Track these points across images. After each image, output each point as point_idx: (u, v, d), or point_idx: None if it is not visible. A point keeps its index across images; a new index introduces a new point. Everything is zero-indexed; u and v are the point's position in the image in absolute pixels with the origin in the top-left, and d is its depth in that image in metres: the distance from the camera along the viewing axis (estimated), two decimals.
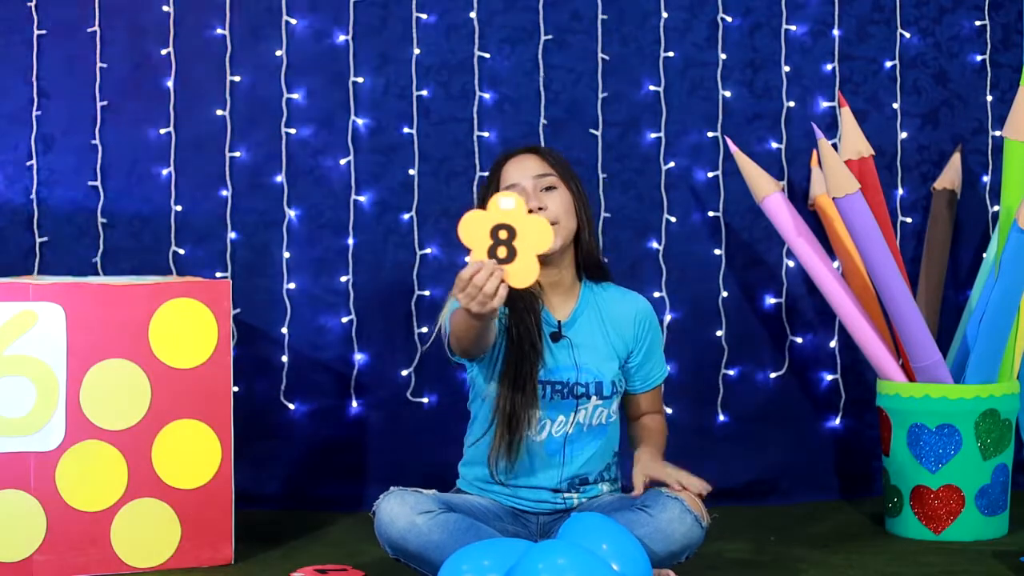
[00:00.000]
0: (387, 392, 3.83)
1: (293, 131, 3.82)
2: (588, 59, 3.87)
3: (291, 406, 3.81)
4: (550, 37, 3.86)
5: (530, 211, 2.76)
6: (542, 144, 3.81)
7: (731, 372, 3.91)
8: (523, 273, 2.46)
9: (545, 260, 2.83)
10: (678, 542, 2.76)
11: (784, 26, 3.92)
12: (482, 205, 2.79)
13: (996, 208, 3.93)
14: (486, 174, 3.76)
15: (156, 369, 3.12)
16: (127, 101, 3.77)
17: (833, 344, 3.93)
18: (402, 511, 2.75)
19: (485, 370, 2.90)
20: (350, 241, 3.83)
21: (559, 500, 2.93)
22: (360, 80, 3.83)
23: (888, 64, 3.95)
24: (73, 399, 3.07)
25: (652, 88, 3.89)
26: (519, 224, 2.46)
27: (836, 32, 3.94)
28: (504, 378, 2.85)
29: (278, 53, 3.80)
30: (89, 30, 3.76)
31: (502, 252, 2.46)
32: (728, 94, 3.90)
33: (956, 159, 3.91)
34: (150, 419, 3.11)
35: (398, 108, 3.83)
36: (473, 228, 2.47)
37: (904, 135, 3.96)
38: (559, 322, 2.93)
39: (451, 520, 2.74)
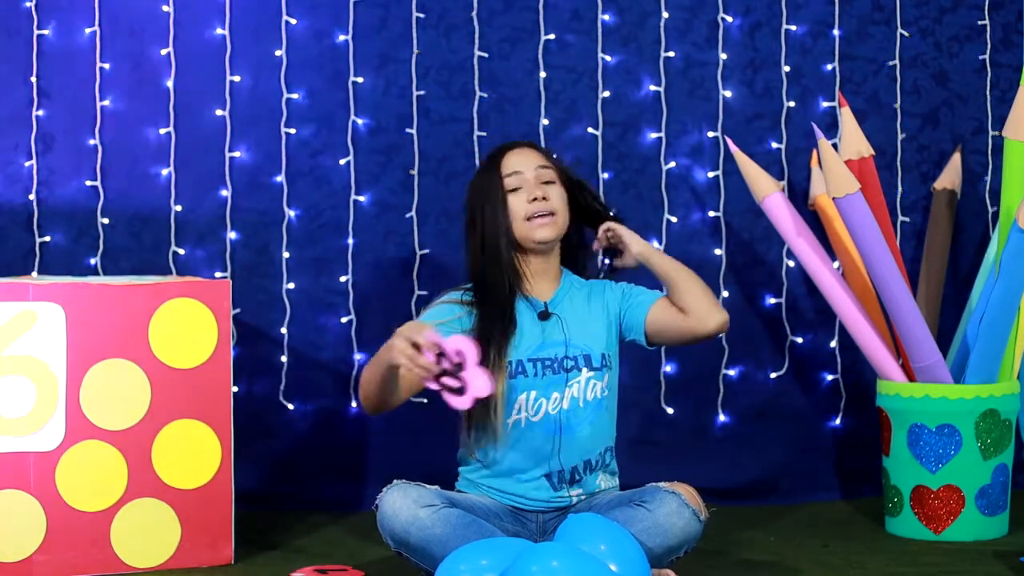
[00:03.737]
0: None
1: (293, 131, 3.82)
2: (588, 59, 3.87)
3: (291, 406, 3.81)
4: (550, 37, 3.86)
5: (534, 199, 2.95)
6: (542, 144, 3.82)
7: (731, 372, 3.91)
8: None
9: (541, 249, 2.99)
10: (676, 536, 2.76)
11: (784, 26, 3.92)
12: (476, 195, 2.98)
13: (996, 208, 3.93)
14: None
15: (156, 369, 3.12)
16: (127, 101, 3.77)
17: (833, 344, 3.93)
18: (405, 504, 2.76)
19: None
20: (350, 241, 3.82)
21: (557, 497, 2.94)
22: (360, 80, 3.83)
23: (888, 64, 3.95)
24: (73, 399, 3.06)
25: (652, 88, 3.89)
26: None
27: (836, 32, 3.93)
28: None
29: (278, 53, 3.80)
30: (89, 30, 3.76)
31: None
32: (728, 94, 3.90)
33: (956, 159, 3.91)
34: (150, 419, 3.11)
35: (398, 108, 3.83)
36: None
37: (904, 135, 3.96)
38: (544, 303, 2.99)
39: (454, 515, 2.75)
